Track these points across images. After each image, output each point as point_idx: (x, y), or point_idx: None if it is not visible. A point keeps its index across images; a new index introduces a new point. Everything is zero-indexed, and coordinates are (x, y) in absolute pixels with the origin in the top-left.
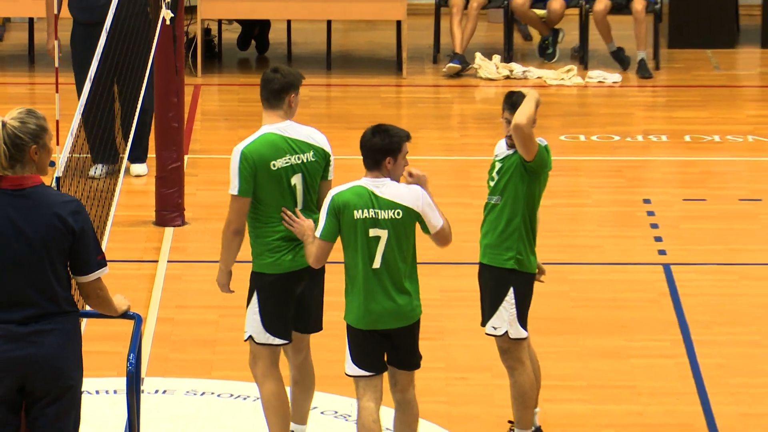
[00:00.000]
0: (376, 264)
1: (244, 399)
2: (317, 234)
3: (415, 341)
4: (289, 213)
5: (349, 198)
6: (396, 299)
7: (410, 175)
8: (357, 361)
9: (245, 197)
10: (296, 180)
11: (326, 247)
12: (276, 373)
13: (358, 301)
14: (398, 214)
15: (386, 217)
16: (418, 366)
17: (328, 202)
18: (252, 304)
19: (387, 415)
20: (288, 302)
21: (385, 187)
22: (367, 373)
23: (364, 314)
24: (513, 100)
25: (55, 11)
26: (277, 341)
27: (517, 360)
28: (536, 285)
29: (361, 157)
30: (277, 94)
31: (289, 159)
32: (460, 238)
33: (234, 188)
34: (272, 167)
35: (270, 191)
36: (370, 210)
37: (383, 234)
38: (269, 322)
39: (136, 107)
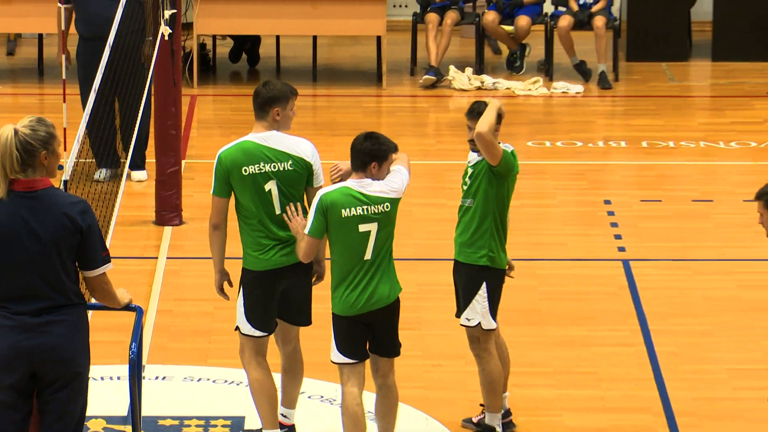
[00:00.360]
0: (368, 256)
1: (237, 384)
2: (306, 231)
3: (395, 330)
4: (291, 210)
5: (336, 198)
6: (384, 283)
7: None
8: (342, 349)
9: (220, 197)
10: (270, 186)
11: (314, 243)
12: (261, 361)
13: (349, 291)
14: (387, 207)
15: (376, 211)
16: (397, 353)
17: (316, 202)
18: (239, 298)
19: (369, 399)
20: (270, 297)
21: (371, 186)
22: (351, 361)
23: (353, 302)
24: (476, 110)
25: (63, 27)
26: (258, 333)
27: (485, 350)
28: (507, 280)
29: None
30: (262, 106)
31: (263, 166)
32: (436, 236)
33: (212, 189)
34: (243, 172)
35: (245, 194)
36: (359, 207)
37: (373, 227)
38: (251, 315)
39: (136, 118)
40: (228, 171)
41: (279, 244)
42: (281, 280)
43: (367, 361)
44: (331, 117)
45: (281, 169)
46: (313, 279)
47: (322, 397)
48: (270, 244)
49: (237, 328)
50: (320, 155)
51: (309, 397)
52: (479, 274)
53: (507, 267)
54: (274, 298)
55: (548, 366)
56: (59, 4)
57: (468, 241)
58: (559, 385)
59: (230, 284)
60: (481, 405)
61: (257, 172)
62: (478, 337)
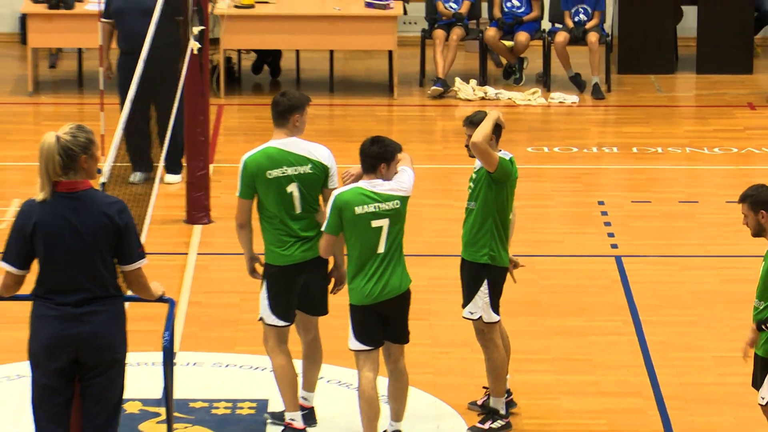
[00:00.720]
0: (381, 249)
1: (262, 370)
2: (323, 229)
3: (405, 318)
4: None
5: (350, 197)
6: (395, 275)
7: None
8: (359, 337)
9: (245, 199)
10: (292, 188)
11: (331, 239)
12: (283, 348)
13: (364, 282)
14: (397, 204)
15: (387, 208)
16: (407, 340)
17: (332, 201)
18: (262, 290)
19: (382, 383)
20: (291, 290)
21: (381, 186)
22: (366, 347)
23: (369, 292)
24: (473, 119)
25: (100, 42)
26: (281, 323)
27: (490, 340)
28: (510, 275)
29: (359, 164)
30: (283, 114)
31: (285, 170)
32: (443, 234)
33: (238, 191)
34: (268, 176)
35: (269, 196)
36: (371, 205)
37: (385, 223)
38: (275, 307)
39: (169, 125)
40: (254, 175)
41: (299, 240)
42: (301, 274)
43: (380, 349)
44: (346, 125)
45: (302, 172)
46: (332, 286)
47: (339, 381)
48: (291, 241)
49: (261, 319)
50: (336, 159)
51: (327, 381)
52: (481, 271)
53: (511, 264)
54: (295, 290)
55: (547, 353)
56: (100, 20)
57: (471, 241)
58: (557, 371)
59: (261, 265)
60: (485, 388)
61: (281, 175)
62: (482, 329)
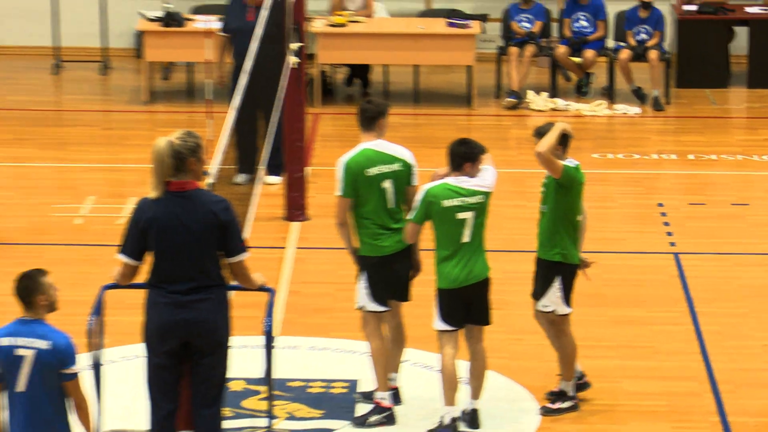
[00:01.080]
0: (465, 239)
1: (353, 353)
2: (410, 218)
3: (486, 302)
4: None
5: (438, 191)
6: (478, 262)
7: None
8: (444, 318)
9: (347, 197)
10: (387, 184)
11: (416, 228)
12: (381, 332)
13: (450, 268)
14: (481, 198)
15: (472, 202)
16: (487, 322)
17: (422, 195)
18: (361, 281)
19: (462, 366)
20: (388, 278)
21: (466, 182)
22: (450, 328)
23: (455, 278)
24: (540, 130)
25: (206, 56)
26: (381, 308)
27: (561, 330)
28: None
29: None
30: (372, 120)
31: (381, 168)
32: (518, 232)
33: (339, 191)
34: (367, 174)
35: (367, 192)
36: (457, 199)
37: (470, 216)
38: (375, 294)
39: (273, 133)
40: (355, 174)
41: (391, 233)
42: (395, 263)
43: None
44: (429, 132)
45: (394, 170)
46: (411, 272)
47: (422, 364)
48: (385, 234)
49: (361, 307)
50: (420, 163)
51: (412, 364)
52: (554, 268)
53: (583, 264)
54: (390, 279)
55: (611, 341)
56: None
57: (544, 241)
58: (620, 356)
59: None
60: (558, 375)
61: (378, 173)
62: (554, 321)
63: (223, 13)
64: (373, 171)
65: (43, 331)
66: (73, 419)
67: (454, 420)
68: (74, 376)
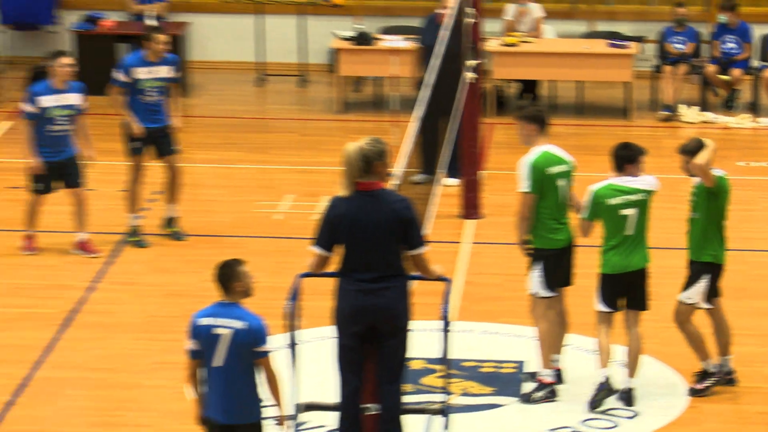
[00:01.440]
0: (629, 232)
1: (520, 337)
2: (582, 216)
3: (644, 289)
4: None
5: (604, 192)
6: (639, 253)
7: None
8: (604, 300)
9: (534, 194)
10: (561, 182)
11: (588, 225)
12: (548, 316)
13: (614, 256)
14: (643, 196)
15: (634, 199)
16: (644, 308)
17: (591, 195)
18: (536, 270)
19: (619, 350)
20: (559, 268)
21: (629, 182)
22: (609, 310)
23: (615, 264)
24: (686, 148)
25: (392, 72)
26: (552, 294)
27: (688, 321)
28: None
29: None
30: (546, 125)
31: (558, 168)
32: (671, 232)
33: (525, 187)
34: (548, 173)
35: (547, 189)
36: (621, 197)
37: (633, 211)
38: (548, 282)
39: (452, 138)
40: (540, 173)
41: (564, 227)
42: (564, 255)
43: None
44: (591, 141)
45: (565, 170)
46: None
47: (583, 348)
48: (560, 228)
49: (534, 294)
50: (582, 169)
51: (573, 348)
52: (703, 268)
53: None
54: (560, 268)
55: (754, 330)
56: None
57: (696, 244)
58: (762, 344)
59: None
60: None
61: (555, 172)
62: (684, 311)
63: (418, 33)
64: (553, 170)
65: (240, 314)
66: (265, 392)
67: (607, 378)
68: (266, 353)
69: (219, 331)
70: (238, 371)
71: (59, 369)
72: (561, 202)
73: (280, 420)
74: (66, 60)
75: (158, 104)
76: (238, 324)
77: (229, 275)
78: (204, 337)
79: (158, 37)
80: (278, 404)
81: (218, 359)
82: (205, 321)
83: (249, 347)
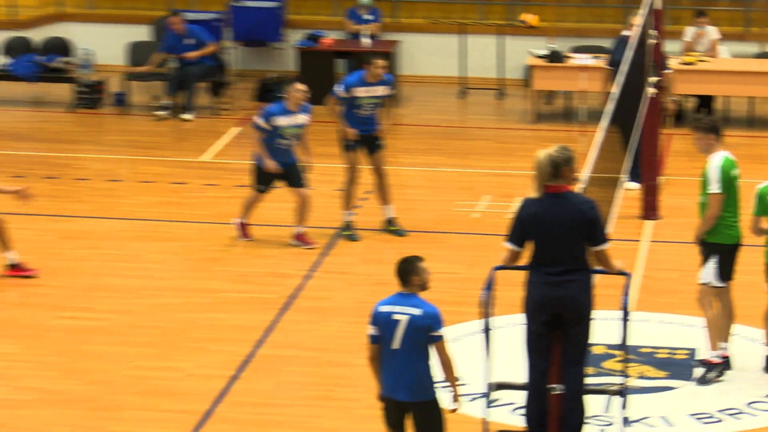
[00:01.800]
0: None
1: (693, 327)
2: (755, 213)
3: None
4: None
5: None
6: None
7: None
8: (722, 276)
9: (722, 193)
10: (738, 184)
11: (758, 220)
12: (714, 304)
13: (732, 227)
14: None
15: None
16: None
17: (757, 193)
18: (712, 262)
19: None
20: (733, 261)
21: None
22: (722, 284)
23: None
24: None
25: (581, 86)
26: (723, 285)
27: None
28: None
29: None
30: (722, 137)
31: (737, 171)
32: None
33: (716, 189)
34: (732, 175)
35: (731, 190)
36: None
37: None
38: (722, 274)
39: (634, 147)
40: (728, 175)
41: (737, 223)
42: (736, 249)
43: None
44: (761, 151)
45: (739, 173)
46: None
47: (750, 338)
48: (736, 225)
49: (707, 283)
50: (754, 176)
51: (741, 338)
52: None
53: None
54: (733, 261)
55: None
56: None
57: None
58: None
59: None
60: None
61: (736, 175)
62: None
63: (608, 52)
64: (735, 173)
65: (417, 302)
66: (439, 373)
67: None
68: (440, 338)
69: (397, 317)
70: (413, 353)
71: (278, 348)
72: (738, 202)
73: (454, 397)
74: (300, 86)
75: (371, 116)
76: (415, 311)
77: (409, 269)
78: (384, 323)
79: (378, 62)
80: (452, 384)
81: (396, 342)
82: (385, 308)
83: (424, 332)
